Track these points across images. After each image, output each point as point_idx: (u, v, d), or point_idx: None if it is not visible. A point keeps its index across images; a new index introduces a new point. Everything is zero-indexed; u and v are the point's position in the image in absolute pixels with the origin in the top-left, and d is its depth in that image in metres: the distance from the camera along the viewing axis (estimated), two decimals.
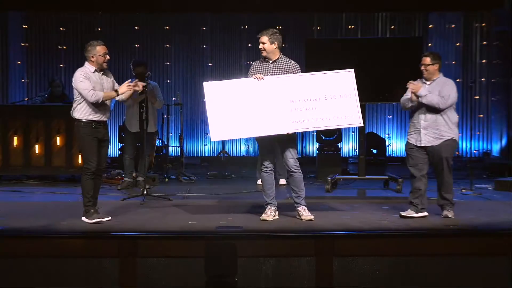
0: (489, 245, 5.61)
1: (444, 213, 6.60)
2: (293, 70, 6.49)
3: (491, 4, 11.37)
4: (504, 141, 11.81)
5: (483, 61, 12.21)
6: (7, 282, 5.36)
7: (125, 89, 6.42)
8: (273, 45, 6.45)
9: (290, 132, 6.43)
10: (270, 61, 6.51)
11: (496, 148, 12.08)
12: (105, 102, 6.37)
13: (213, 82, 6.67)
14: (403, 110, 7.13)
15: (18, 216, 6.62)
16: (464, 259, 5.52)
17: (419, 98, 6.53)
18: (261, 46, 6.47)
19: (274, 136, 6.46)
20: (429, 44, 12.16)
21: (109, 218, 6.40)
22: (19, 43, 12.17)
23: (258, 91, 6.42)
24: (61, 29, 12.17)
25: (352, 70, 6.55)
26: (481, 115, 12.27)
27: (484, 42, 12.19)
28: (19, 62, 12.17)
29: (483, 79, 12.16)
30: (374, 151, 11.93)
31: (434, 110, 6.53)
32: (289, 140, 6.52)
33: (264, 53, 6.49)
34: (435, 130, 6.54)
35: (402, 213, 6.64)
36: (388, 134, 12.53)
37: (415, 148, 6.66)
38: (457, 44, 12.24)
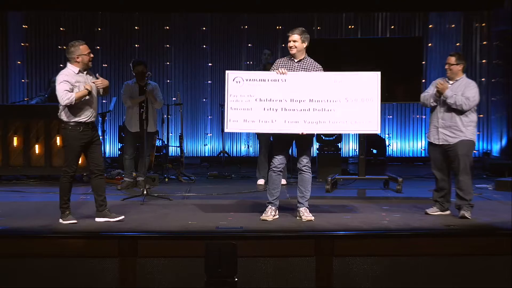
0: (489, 245, 5.62)
1: (461, 213, 6.55)
2: (317, 71, 6.47)
3: (491, 4, 11.39)
4: (504, 141, 11.81)
5: (483, 61, 12.21)
6: (7, 282, 5.36)
7: (89, 86, 6.20)
8: (303, 43, 6.42)
9: (305, 133, 6.41)
10: (296, 60, 6.50)
11: (496, 148, 12.08)
12: (91, 102, 6.25)
13: (236, 71, 6.63)
14: (423, 107, 7.13)
15: (18, 216, 6.62)
16: (464, 259, 5.52)
17: (446, 99, 6.54)
18: (292, 44, 6.42)
19: (292, 134, 6.45)
20: (429, 44, 12.17)
21: (122, 217, 6.40)
22: (19, 43, 12.17)
23: (279, 86, 6.39)
24: (61, 29, 12.16)
25: (379, 72, 6.42)
26: (481, 115, 12.27)
27: (484, 42, 12.20)
28: (19, 62, 12.17)
29: (483, 79, 12.17)
30: (374, 151, 11.93)
31: (453, 109, 6.56)
32: (308, 140, 6.52)
33: (294, 51, 6.43)
34: (452, 129, 6.58)
35: (427, 210, 6.72)
36: (388, 134, 12.53)
37: (434, 147, 6.72)
38: (457, 44, 12.24)
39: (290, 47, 6.44)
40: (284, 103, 6.37)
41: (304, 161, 6.50)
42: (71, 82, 6.18)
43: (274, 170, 6.55)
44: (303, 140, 6.50)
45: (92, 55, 6.33)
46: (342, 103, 6.38)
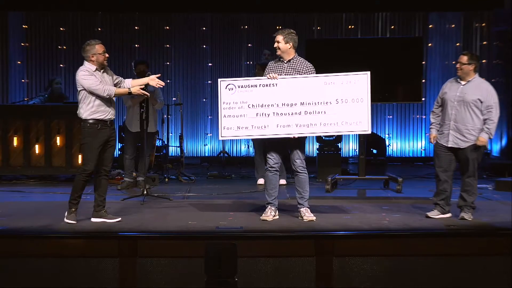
0: (489, 245, 5.61)
1: (461, 215, 6.52)
2: (307, 70, 6.46)
3: (491, 4, 11.39)
4: (504, 141, 11.80)
5: (483, 61, 12.20)
6: (7, 282, 5.36)
7: (136, 90, 6.38)
8: (288, 44, 6.43)
9: (296, 136, 6.43)
10: (285, 61, 6.50)
11: (496, 148, 12.07)
12: (111, 99, 6.35)
13: (228, 79, 6.66)
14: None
15: (18, 216, 6.63)
16: (464, 259, 5.52)
17: (491, 137, 6.51)
18: (276, 45, 6.47)
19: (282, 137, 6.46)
20: (429, 44, 12.17)
21: (119, 219, 6.42)
22: (19, 43, 12.17)
23: (271, 91, 6.41)
24: (61, 29, 12.16)
25: (368, 73, 6.43)
26: None
27: (484, 42, 12.19)
28: (19, 62, 12.17)
29: (483, 79, 12.15)
30: (374, 151, 11.92)
31: (466, 111, 6.46)
32: (298, 141, 6.51)
33: (278, 52, 6.48)
34: (464, 133, 6.47)
35: (428, 214, 6.59)
36: (388, 134, 12.53)
37: (442, 147, 6.61)
38: (457, 44, 12.24)
39: (275, 48, 6.50)
40: (276, 108, 6.40)
41: (298, 162, 6.50)
42: (96, 76, 6.28)
43: (270, 170, 6.56)
44: (294, 142, 6.50)
45: (107, 55, 6.38)
46: (332, 105, 6.39)
